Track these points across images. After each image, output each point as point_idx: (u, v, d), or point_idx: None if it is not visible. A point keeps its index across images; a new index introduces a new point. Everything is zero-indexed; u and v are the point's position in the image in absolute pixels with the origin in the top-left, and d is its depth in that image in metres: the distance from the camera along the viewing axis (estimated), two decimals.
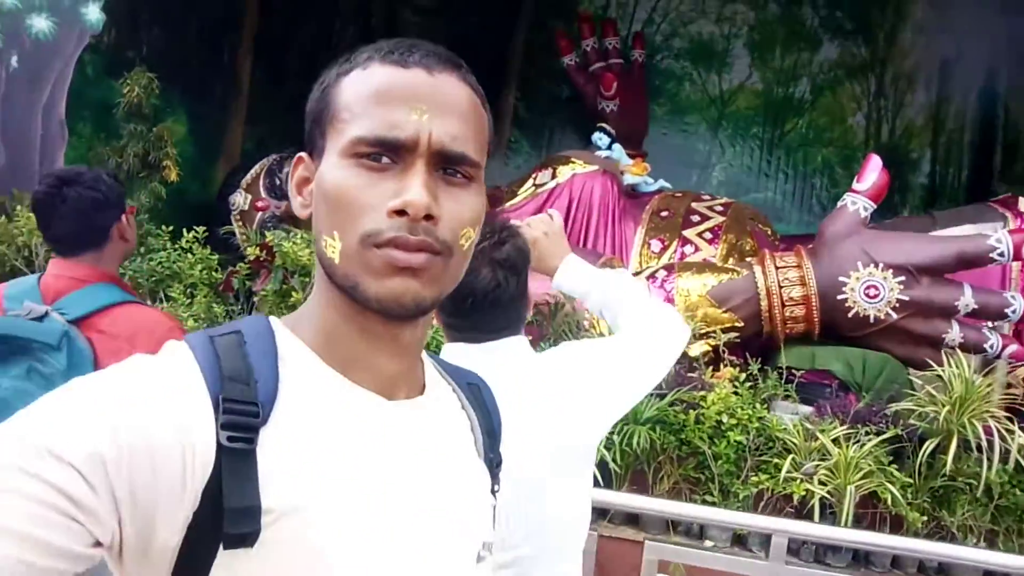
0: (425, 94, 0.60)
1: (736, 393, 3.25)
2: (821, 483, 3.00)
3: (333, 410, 0.62)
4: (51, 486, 0.49)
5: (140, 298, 1.64)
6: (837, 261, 3.63)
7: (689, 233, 4.35)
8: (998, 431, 3.02)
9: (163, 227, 3.78)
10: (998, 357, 3.59)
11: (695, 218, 4.45)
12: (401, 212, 0.58)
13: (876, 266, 3.55)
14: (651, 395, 3.31)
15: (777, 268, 3.74)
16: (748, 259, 3.99)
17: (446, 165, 0.61)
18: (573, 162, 4.52)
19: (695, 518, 1.79)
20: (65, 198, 1.49)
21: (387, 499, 0.62)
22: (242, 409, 0.57)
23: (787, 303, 3.67)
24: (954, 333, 3.51)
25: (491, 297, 1.18)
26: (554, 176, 4.47)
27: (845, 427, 3.16)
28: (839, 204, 3.79)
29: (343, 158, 0.60)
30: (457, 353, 1.24)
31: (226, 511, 0.54)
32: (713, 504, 3.14)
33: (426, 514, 0.65)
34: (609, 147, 4.81)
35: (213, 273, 3.53)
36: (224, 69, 5.27)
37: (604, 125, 4.91)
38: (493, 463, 0.75)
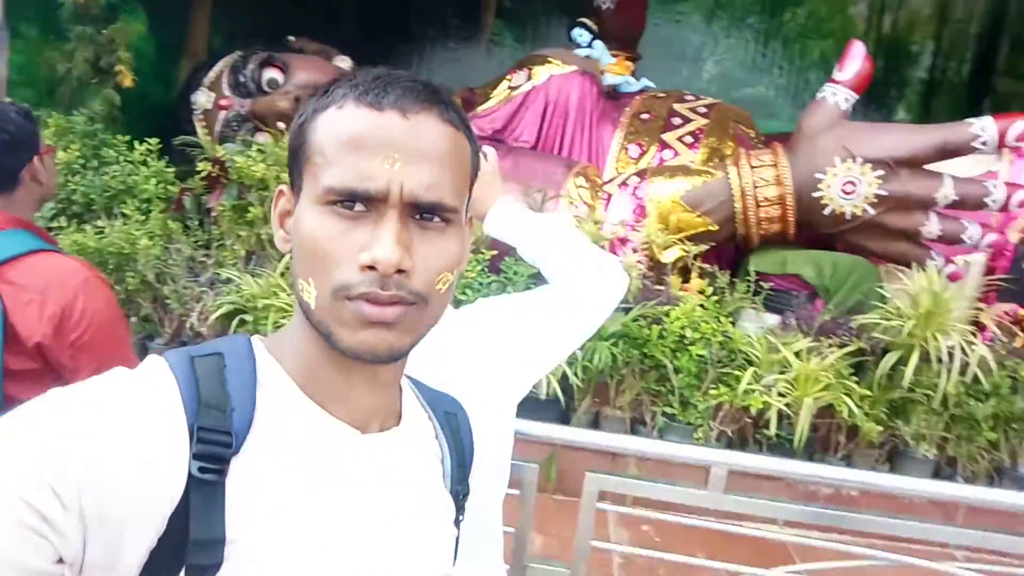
0: (398, 141, 0.59)
1: (702, 306, 3.23)
2: (780, 395, 3.02)
3: (305, 442, 0.62)
4: (24, 503, 0.50)
5: (55, 244, 1.55)
6: (814, 157, 3.51)
7: (669, 137, 4.19)
8: (960, 344, 3.01)
9: (118, 136, 3.65)
10: (976, 248, 3.52)
11: (676, 120, 4.28)
12: (372, 267, 0.57)
13: (854, 160, 3.42)
14: (617, 309, 3.30)
15: (752, 168, 3.62)
16: (724, 160, 3.84)
17: (421, 212, 0.60)
18: (550, 62, 4.30)
19: (637, 451, 1.79)
20: None
21: (349, 535, 0.64)
22: (215, 439, 0.57)
23: (761, 204, 3.57)
24: (932, 225, 3.43)
25: None
26: (530, 77, 4.27)
27: (809, 340, 3.16)
28: (818, 96, 3.62)
29: (317, 204, 0.59)
30: None
31: (190, 542, 0.55)
32: (672, 415, 3.19)
33: (387, 549, 0.66)
34: (590, 44, 4.56)
35: (169, 187, 3.43)
36: None
37: (585, 20, 4.63)
38: (460, 494, 0.76)
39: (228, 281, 3.17)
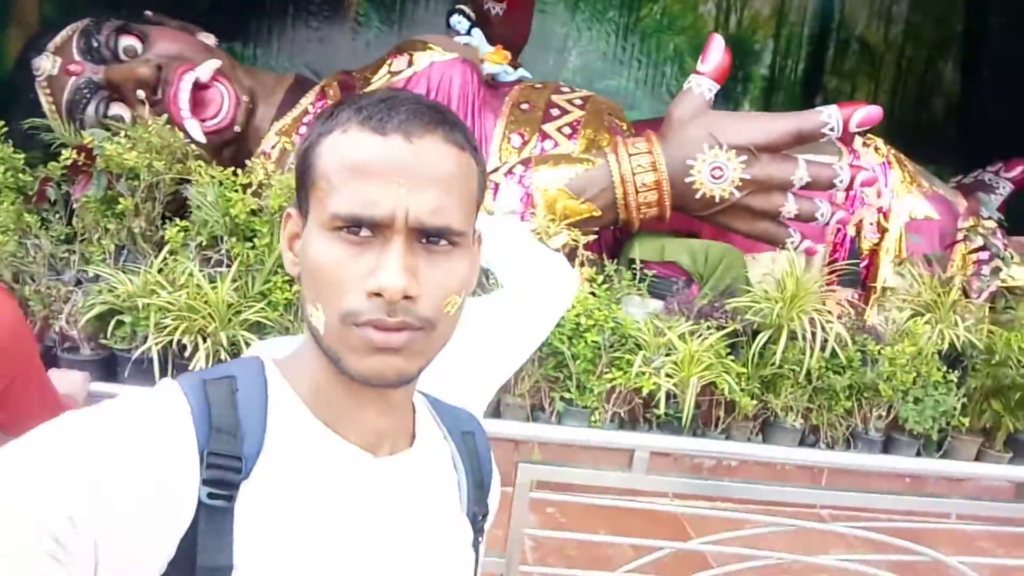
0: (403, 166, 0.58)
1: (593, 294, 3.37)
2: (667, 375, 3.23)
3: (316, 466, 0.62)
4: (37, 527, 0.50)
5: None
6: (684, 144, 3.73)
7: (549, 128, 4.29)
8: (819, 323, 3.35)
9: None
10: (827, 224, 3.93)
11: (555, 111, 4.38)
12: (379, 293, 0.58)
13: (720, 147, 3.68)
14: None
15: (630, 155, 3.79)
16: (603, 149, 4.00)
17: (427, 236, 0.60)
18: (431, 48, 4.25)
19: (570, 441, 1.87)
20: None
21: (360, 561, 0.63)
22: (226, 464, 0.58)
23: (640, 189, 3.75)
24: (790, 205, 3.77)
25: None
26: (411, 63, 4.20)
27: (690, 323, 3.39)
28: (684, 87, 3.85)
29: (323, 230, 0.60)
30: None
31: (198, 568, 0.56)
32: (571, 400, 3.31)
33: (400, 575, 0.66)
34: (468, 32, 4.55)
35: (20, 175, 3.07)
36: None
37: (463, 7, 4.61)
38: (477, 516, 0.76)
39: (97, 279, 2.90)
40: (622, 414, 3.36)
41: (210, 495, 0.56)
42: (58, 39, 3.73)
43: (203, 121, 3.69)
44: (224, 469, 0.57)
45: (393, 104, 0.60)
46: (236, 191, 3.13)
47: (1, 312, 1.30)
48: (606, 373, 3.28)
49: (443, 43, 4.34)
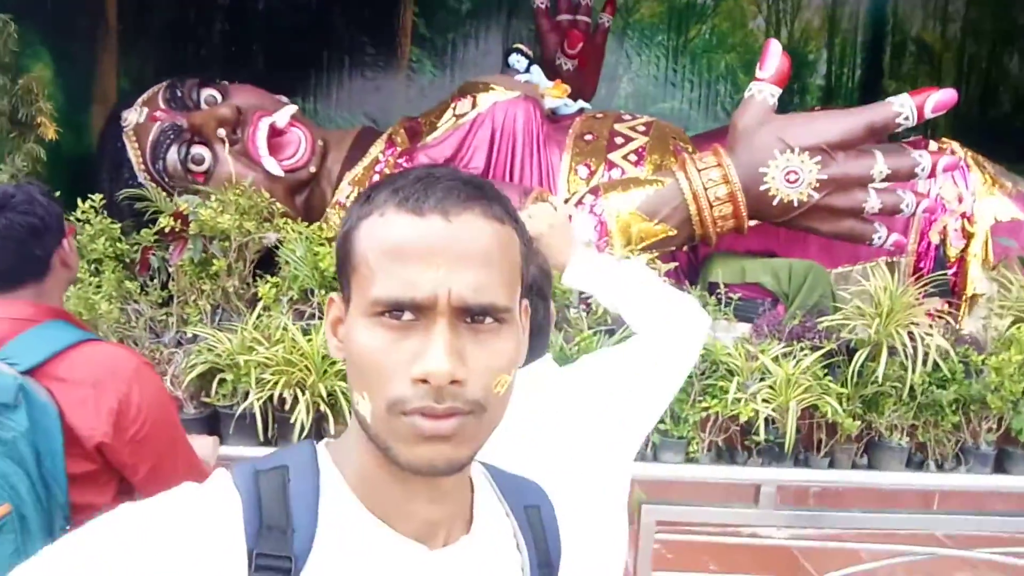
0: (443, 246, 0.57)
1: None
2: (764, 401, 3.14)
3: (367, 561, 0.61)
4: None
5: (92, 332, 1.44)
6: (754, 153, 3.67)
7: (615, 156, 4.29)
8: (919, 336, 3.23)
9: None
10: (914, 215, 3.82)
11: (619, 140, 4.39)
12: (425, 380, 0.56)
13: (792, 151, 3.60)
14: (600, 331, 3.34)
15: (699, 171, 3.75)
16: (671, 167, 3.95)
17: (472, 316, 0.58)
18: (493, 88, 4.32)
19: (694, 478, 1.83)
20: None
21: None
22: (275, 565, 0.57)
23: (714, 203, 3.71)
24: (872, 200, 3.67)
25: None
26: (474, 105, 4.26)
27: (782, 345, 3.31)
28: (746, 95, 3.80)
29: (365, 317, 0.59)
30: None
31: None
32: (665, 431, 3.25)
33: None
34: (527, 69, 4.61)
35: (118, 244, 3.20)
36: None
37: (520, 46, 4.68)
38: None
39: (195, 339, 2.99)
40: (719, 443, 3.28)
41: None
42: (145, 95, 4.03)
43: (280, 161, 3.89)
44: (273, 570, 0.56)
45: (429, 183, 0.59)
46: (321, 244, 3.19)
47: (147, 386, 1.33)
48: (700, 401, 3.21)
49: (504, 82, 4.41)
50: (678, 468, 1.91)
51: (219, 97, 3.98)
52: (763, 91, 3.75)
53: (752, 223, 3.85)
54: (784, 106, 6.46)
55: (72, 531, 0.55)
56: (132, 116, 3.95)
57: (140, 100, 4.00)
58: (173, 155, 3.84)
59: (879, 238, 3.69)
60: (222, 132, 3.79)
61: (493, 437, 0.63)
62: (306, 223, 3.30)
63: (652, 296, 1.33)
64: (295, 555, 0.58)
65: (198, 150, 3.87)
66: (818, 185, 3.60)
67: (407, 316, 0.57)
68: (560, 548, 0.75)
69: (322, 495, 0.61)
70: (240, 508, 0.58)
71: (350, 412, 0.63)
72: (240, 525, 0.57)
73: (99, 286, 2.97)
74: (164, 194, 3.53)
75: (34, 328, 1.28)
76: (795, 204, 3.64)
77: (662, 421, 3.24)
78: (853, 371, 3.26)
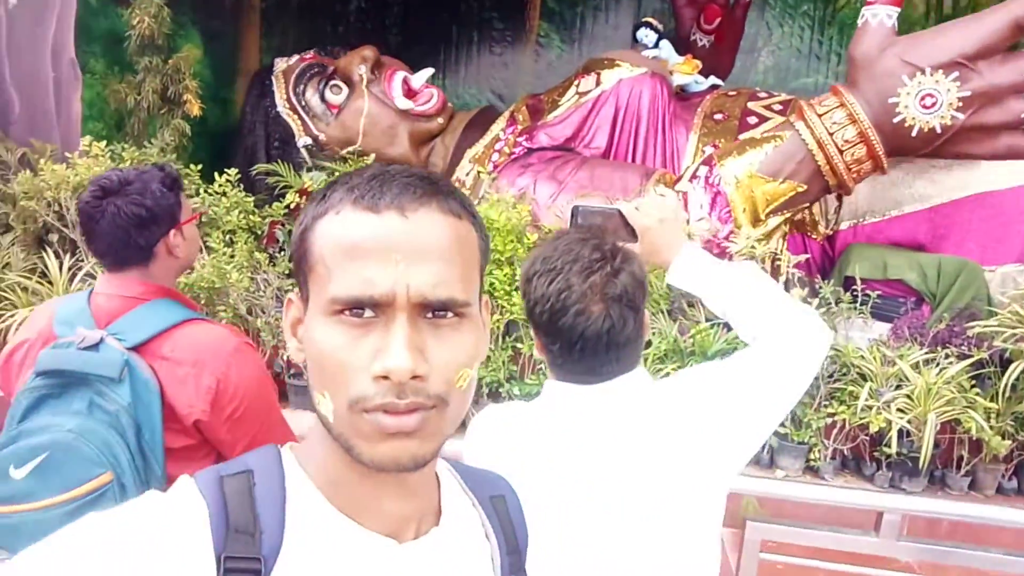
0: (400, 242, 0.58)
1: None
2: (900, 411, 2.88)
3: (338, 560, 0.61)
4: None
5: (201, 310, 1.50)
6: (880, 83, 3.28)
7: (746, 137, 4.04)
8: None
9: (191, 166, 3.60)
10: None
11: (752, 120, 4.13)
12: (386, 376, 0.56)
13: (923, 72, 3.22)
14: (717, 323, 3.18)
15: (820, 116, 3.42)
16: (788, 118, 3.63)
17: (432, 311, 0.58)
18: (618, 65, 4.17)
19: (800, 499, 1.68)
20: (104, 212, 1.33)
21: None
22: (244, 567, 0.57)
23: (844, 148, 3.37)
24: None
25: (605, 339, 1.02)
26: (599, 82, 4.14)
27: (924, 351, 3.01)
28: (859, 22, 3.40)
29: (324, 316, 0.59)
30: (562, 394, 1.10)
31: None
32: (784, 435, 3.06)
33: None
34: (656, 44, 4.42)
35: (251, 216, 3.36)
36: None
37: (650, 20, 4.49)
38: None
39: None
40: (845, 451, 3.05)
41: None
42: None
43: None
44: (242, 572, 0.56)
45: (384, 180, 0.59)
46: None
47: (246, 366, 1.37)
48: (826, 406, 2.99)
49: (631, 58, 4.25)
50: (782, 485, 1.77)
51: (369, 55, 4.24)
52: (878, 13, 3.34)
53: (896, 167, 3.49)
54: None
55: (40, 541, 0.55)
56: (282, 63, 4.31)
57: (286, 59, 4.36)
58: (314, 85, 4.16)
59: None
60: (362, 69, 4.06)
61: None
62: None
63: (766, 305, 1.21)
64: (264, 556, 0.58)
65: (337, 83, 4.16)
66: (961, 104, 3.19)
67: (367, 313, 0.57)
68: (527, 536, 0.76)
69: (289, 496, 0.61)
70: (206, 513, 0.58)
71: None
72: (207, 530, 0.57)
73: (232, 256, 3.12)
74: (293, 171, 3.67)
75: (143, 306, 1.35)
76: (938, 131, 3.24)
77: (782, 424, 3.05)
78: (1007, 384, 2.92)
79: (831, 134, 3.37)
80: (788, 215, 3.40)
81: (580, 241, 1.06)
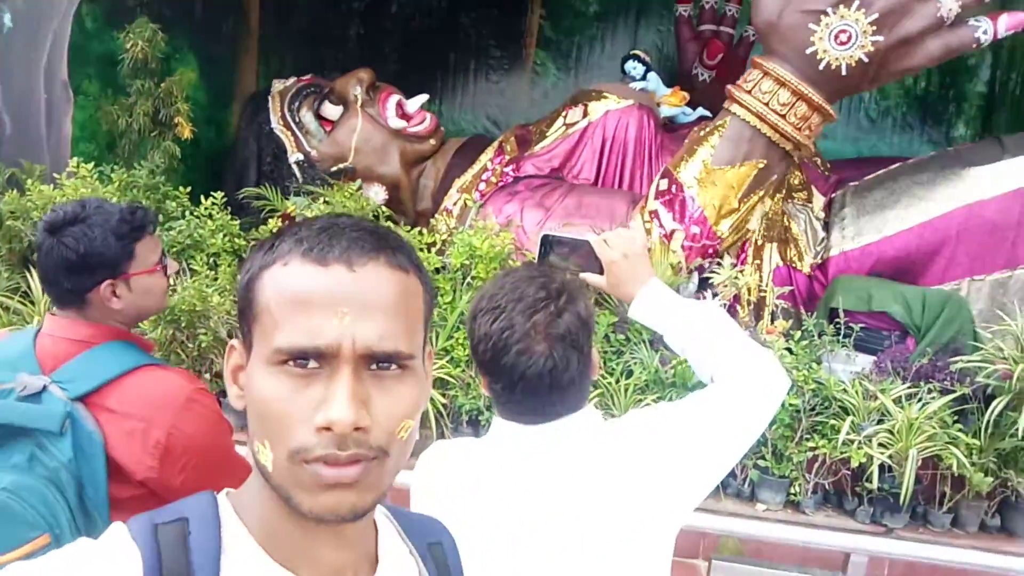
0: (346, 295, 0.58)
1: (790, 351, 3.08)
2: (881, 446, 2.86)
3: None
4: None
5: (150, 349, 1.43)
6: (790, 40, 3.27)
7: None
8: None
9: (180, 188, 3.62)
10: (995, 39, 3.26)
11: None
12: (328, 428, 0.56)
13: (825, 14, 3.19)
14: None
15: (749, 92, 3.41)
16: (723, 109, 3.60)
17: (376, 363, 0.59)
18: (606, 97, 4.21)
19: (768, 539, 1.66)
20: (42, 247, 1.26)
21: None
22: None
23: (783, 111, 3.35)
24: (947, 2, 3.10)
25: (548, 380, 1.01)
26: (586, 114, 4.17)
27: (907, 385, 3.00)
28: None
29: (267, 365, 0.59)
30: (509, 433, 1.09)
31: None
32: (766, 469, 3.04)
33: None
34: (644, 76, 4.46)
35: (236, 240, 3.37)
36: (231, 4, 4.96)
37: (638, 52, 4.53)
38: None
39: None
40: (826, 486, 3.02)
41: None
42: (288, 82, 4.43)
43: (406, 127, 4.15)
44: None
45: (334, 233, 0.60)
46: (422, 250, 3.22)
47: (198, 418, 1.28)
48: (807, 440, 2.97)
49: (618, 90, 4.28)
50: (751, 524, 1.75)
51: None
52: None
53: (878, 188, 3.53)
54: (939, 117, 5.97)
55: None
56: (279, 84, 4.40)
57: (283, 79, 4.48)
58: (308, 103, 4.24)
59: (984, 33, 3.14)
60: (358, 89, 4.12)
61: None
62: (408, 228, 3.33)
63: (725, 346, 1.21)
64: None
65: (328, 109, 4.25)
66: (875, 27, 3.15)
67: (311, 364, 0.57)
68: None
69: (224, 546, 0.61)
70: (140, 562, 0.57)
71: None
72: None
73: (215, 279, 3.13)
74: (281, 194, 3.68)
75: (90, 351, 1.26)
76: (865, 60, 3.20)
77: (762, 458, 3.03)
78: (989, 420, 2.90)
79: (766, 104, 3.37)
80: (762, 192, 3.40)
81: (527, 279, 1.06)
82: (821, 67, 3.27)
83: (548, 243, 1.41)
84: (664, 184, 3.61)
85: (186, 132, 3.80)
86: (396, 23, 6.13)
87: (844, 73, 3.26)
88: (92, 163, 3.39)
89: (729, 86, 3.62)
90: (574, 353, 1.02)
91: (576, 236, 1.41)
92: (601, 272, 1.33)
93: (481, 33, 6.32)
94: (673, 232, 3.50)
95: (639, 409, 1.20)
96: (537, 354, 1.00)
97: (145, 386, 1.26)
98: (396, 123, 4.14)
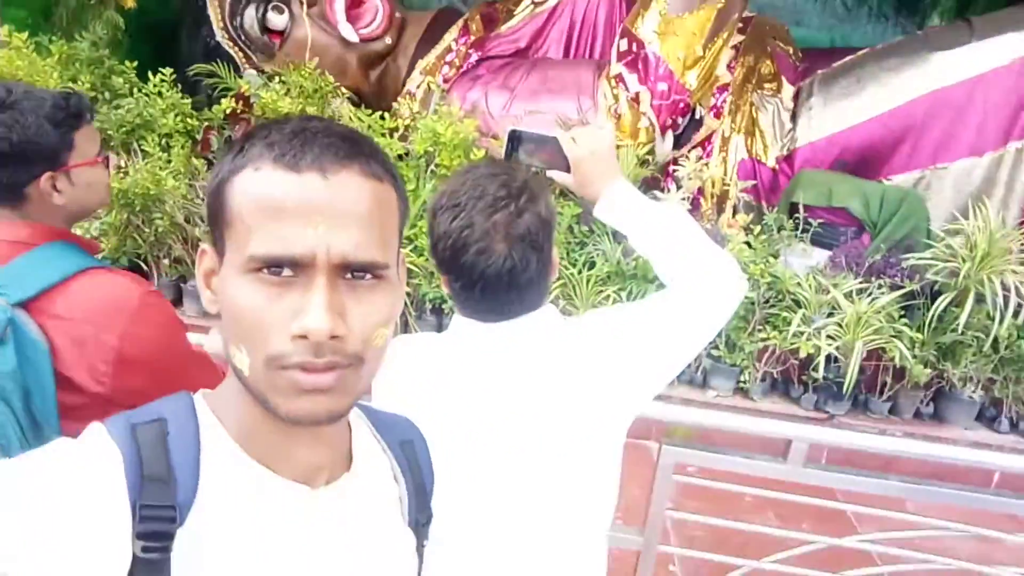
0: (320, 204, 0.57)
1: (748, 244, 3.13)
2: (830, 337, 2.98)
3: (252, 505, 0.63)
4: None
5: (101, 253, 1.31)
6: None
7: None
8: (1015, 286, 2.95)
9: (127, 63, 3.41)
10: None
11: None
12: (305, 336, 0.56)
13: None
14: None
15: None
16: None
17: (351, 271, 0.59)
18: None
19: (714, 427, 1.74)
20: None
21: None
22: (159, 515, 0.57)
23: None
24: None
25: (507, 279, 1.00)
26: None
27: (859, 280, 3.09)
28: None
29: (241, 272, 0.58)
30: (468, 331, 1.09)
31: None
32: (718, 358, 3.15)
33: None
34: None
35: (188, 121, 3.22)
36: None
37: None
38: (420, 523, 0.77)
39: None
40: (775, 375, 3.16)
41: (144, 548, 0.56)
42: None
43: (357, 29, 3.80)
44: (158, 520, 0.57)
45: (306, 139, 0.58)
46: (383, 135, 3.13)
47: (151, 321, 1.21)
48: (759, 331, 3.07)
49: None
50: (698, 413, 1.83)
51: None
52: None
53: (846, 75, 3.56)
54: (913, 7, 5.83)
55: None
56: None
57: None
58: (251, 13, 3.73)
59: None
60: None
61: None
62: (368, 112, 3.21)
63: (686, 249, 1.20)
64: (179, 504, 0.58)
65: (273, 15, 3.76)
66: None
67: (285, 272, 0.57)
68: (433, 476, 0.80)
69: (203, 444, 0.62)
70: (120, 461, 0.58)
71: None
72: (122, 478, 0.57)
73: (168, 161, 3.01)
74: (234, 71, 3.48)
75: (30, 252, 1.16)
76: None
77: (716, 347, 3.14)
78: (933, 316, 3.03)
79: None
80: (726, 35, 3.34)
81: (489, 177, 1.03)
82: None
83: (515, 139, 1.37)
84: (624, 44, 3.49)
85: (129, 2, 3.54)
86: None
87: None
88: (26, 32, 3.16)
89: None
90: (534, 253, 1.01)
91: (544, 133, 1.37)
92: (568, 168, 1.30)
93: None
94: (638, 94, 3.45)
95: (598, 309, 1.21)
96: (496, 254, 0.98)
97: (94, 290, 1.17)
98: (349, 34, 3.76)
